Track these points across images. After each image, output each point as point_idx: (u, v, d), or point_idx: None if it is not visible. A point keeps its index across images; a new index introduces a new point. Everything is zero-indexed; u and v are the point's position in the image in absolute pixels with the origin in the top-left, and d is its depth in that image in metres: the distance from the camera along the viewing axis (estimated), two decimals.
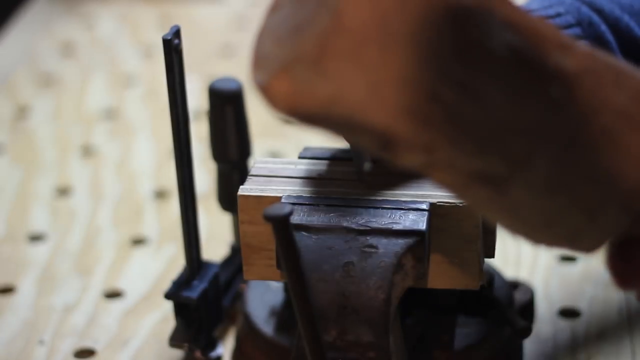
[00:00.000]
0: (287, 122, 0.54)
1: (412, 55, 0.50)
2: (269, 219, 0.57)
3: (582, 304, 0.86)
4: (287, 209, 0.57)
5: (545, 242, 0.59)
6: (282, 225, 0.57)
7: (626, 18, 0.72)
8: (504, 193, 0.55)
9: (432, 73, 0.51)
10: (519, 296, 0.82)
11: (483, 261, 0.69)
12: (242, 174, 0.82)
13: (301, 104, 0.51)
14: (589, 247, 0.59)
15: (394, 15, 0.50)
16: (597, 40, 0.72)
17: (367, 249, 0.65)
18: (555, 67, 0.54)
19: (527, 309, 0.82)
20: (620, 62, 0.57)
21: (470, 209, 0.66)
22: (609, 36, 0.72)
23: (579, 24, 0.72)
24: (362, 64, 0.50)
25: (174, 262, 0.92)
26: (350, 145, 0.70)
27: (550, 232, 0.58)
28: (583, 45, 0.56)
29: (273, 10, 0.57)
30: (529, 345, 0.80)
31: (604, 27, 0.72)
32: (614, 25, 0.72)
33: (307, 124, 0.52)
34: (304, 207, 0.68)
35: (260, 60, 0.54)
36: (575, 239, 0.59)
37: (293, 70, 0.51)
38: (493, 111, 0.53)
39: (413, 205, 0.67)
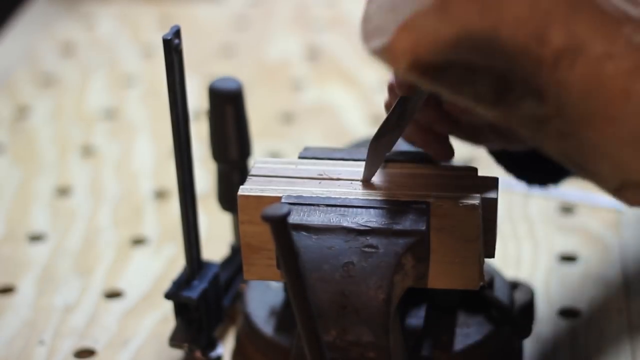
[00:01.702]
0: (409, 79, 0.57)
1: None
2: (267, 219, 0.57)
3: (582, 304, 0.86)
4: (285, 209, 0.57)
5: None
6: (280, 226, 0.57)
7: None
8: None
9: (545, 17, 0.54)
10: (519, 296, 0.82)
11: (483, 261, 0.69)
12: (242, 174, 0.83)
13: (424, 53, 0.55)
14: None
15: None
16: None
17: (367, 249, 0.65)
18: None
19: (527, 309, 0.82)
20: None
21: (471, 209, 0.66)
22: None
23: None
24: (483, 2, 0.54)
25: (174, 262, 0.92)
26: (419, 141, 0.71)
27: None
28: None
29: None
30: (529, 345, 0.81)
31: None
32: None
33: (426, 77, 0.55)
34: (304, 207, 0.68)
35: (373, 31, 0.58)
36: None
37: (415, 23, 0.55)
38: (602, 65, 0.56)
39: (413, 205, 0.67)
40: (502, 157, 0.77)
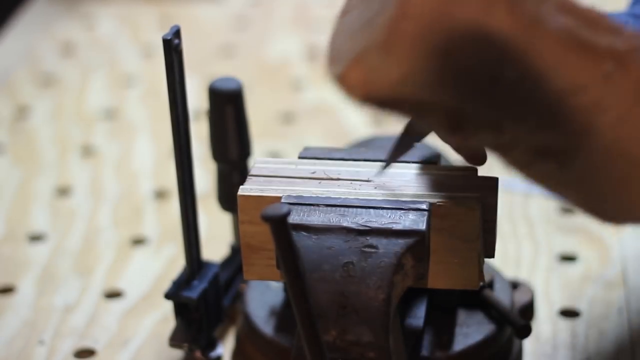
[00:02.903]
0: (364, 108, 0.57)
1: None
2: (267, 219, 0.57)
3: (582, 304, 0.86)
4: (285, 209, 0.57)
5: (612, 215, 0.61)
6: (279, 226, 0.57)
7: None
8: (568, 166, 0.58)
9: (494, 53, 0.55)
10: (519, 296, 0.82)
11: (483, 261, 0.69)
12: (242, 174, 0.83)
13: (374, 88, 0.55)
14: None
15: (456, 2, 0.54)
16: None
17: (367, 249, 0.65)
18: (608, 46, 0.58)
19: (527, 309, 0.82)
20: None
21: (471, 209, 0.66)
22: None
23: None
24: (427, 46, 0.54)
25: (174, 262, 0.92)
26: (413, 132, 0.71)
27: (616, 201, 0.60)
28: (630, 28, 0.60)
29: (343, 14, 0.63)
30: (529, 345, 0.81)
31: None
32: None
33: (381, 108, 0.56)
34: (304, 207, 0.68)
35: (335, 56, 0.59)
36: None
37: (365, 58, 0.55)
38: (553, 88, 0.56)
39: (413, 205, 0.67)
40: None
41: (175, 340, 0.79)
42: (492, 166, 0.80)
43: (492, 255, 0.70)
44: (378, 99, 0.56)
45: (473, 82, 0.56)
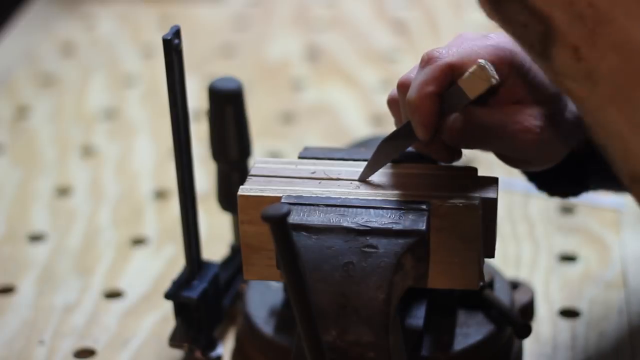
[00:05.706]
0: (484, 9, 0.61)
1: None
2: (267, 219, 0.57)
3: (582, 304, 0.86)
4: (285, 209, 0.57)
5: None
6: (279, 226, 0.57)
7: None
8: None
9: None
10: (519, 296, 0.82)
11: (483, 261, 0.69)
12: (242, 174, 0.83)
13: None
14: None
15: None
16: None
17: (367, 249, 0.65)
18: None
19: (527, 309, 0.82)
20: None
21: (471, 209, 0.66)
22: None
23: None
24: None
25: (174, 262, 0.92)
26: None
27: None
28: None
29: None
30: (529, 345, 0.81)
31: None
32: None
33: (491, 5, 0.60)
34: (304, 207, 0.68)
35: None
36: None
37: None
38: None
39: (413, 205, 0.67)
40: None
41: (175, 340, 0.79)
42: (492, 166, 0.80)
43: (492, 255, 0.70)
44: None
45: None
